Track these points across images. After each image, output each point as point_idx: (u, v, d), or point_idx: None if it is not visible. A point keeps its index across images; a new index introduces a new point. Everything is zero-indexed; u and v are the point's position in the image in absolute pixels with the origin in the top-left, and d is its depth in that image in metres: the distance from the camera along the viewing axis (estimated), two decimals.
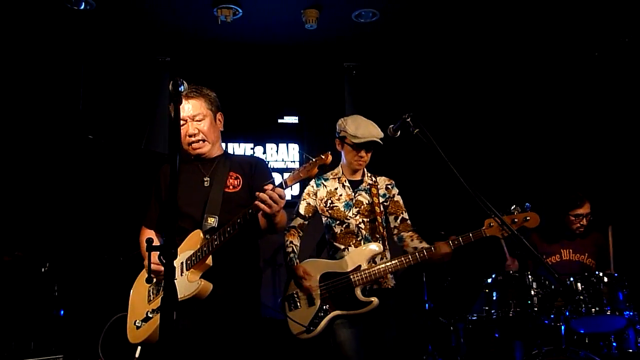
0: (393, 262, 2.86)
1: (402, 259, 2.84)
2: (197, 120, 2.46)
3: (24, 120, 4.52)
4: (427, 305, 4.26)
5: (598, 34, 4.65)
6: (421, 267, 4.21)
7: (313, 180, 3.14)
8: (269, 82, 5.24)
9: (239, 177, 2.47)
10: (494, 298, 3.34)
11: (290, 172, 2.20)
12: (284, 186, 2.15)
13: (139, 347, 2.47)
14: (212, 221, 2.34)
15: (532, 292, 3.20)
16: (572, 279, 3.22)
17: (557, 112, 5.11)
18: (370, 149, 3.04)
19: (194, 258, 2.27)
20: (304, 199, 3.13)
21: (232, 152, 2.63)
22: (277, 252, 4.88)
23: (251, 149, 5.07)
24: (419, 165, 4.73)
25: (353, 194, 3.08)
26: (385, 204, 3.10)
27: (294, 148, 5.13)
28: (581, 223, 3.73)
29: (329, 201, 3.08)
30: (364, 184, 3.11)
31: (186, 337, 2.27)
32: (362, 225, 3.02)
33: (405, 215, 3.11)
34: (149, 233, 2.56)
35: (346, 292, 2.87)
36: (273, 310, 4.66)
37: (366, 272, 2.87)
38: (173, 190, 1.71)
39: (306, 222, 3.13)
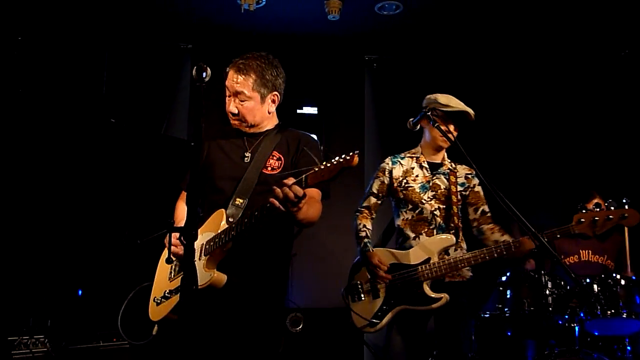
0: (467, 256, 2.65)
1: (478, 253, 2.62)
2: (240, 100, 2.27)
3: (50, 104, 4.59)
4: None
5: (624, 33, 4.57)
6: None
7: (389, 157, 2.98)
8: (290, 72, 5.19)
9: (282, 157, 2.27)
10: (508, 296, 3.32)
11: (313, 168, 1.90)
12: (303, 184, 1.90)
13: (156, 326, 2.45)
14: (240, 203, 2.17)
15: (547, 292, 3.16)
16: (588, 280, 3.19)
17: (579, 110, 5.04)
18: (458, 124, 2.83)
19: (212, 244, 2.14)
20: (378, 177, 2.94)
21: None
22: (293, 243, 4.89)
23: None
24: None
25: (431, 176, 2.87)
26: (465, 193, 2.89)
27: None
28: None
29: (404, 181, 2.87)
30: (443, 168, 2.90)
31: (199, 328, 2.17)
32: (437, 212, 2.81)
33: (486, 208, 2.88)
34: (182, 198, 2.49)
35: (414, 286, 2.66)
36: (287, 300, 4.72)
37: (436, 265, 2.65)
38: (194, 168, 1.71)
39: (379, 202, 2.94)
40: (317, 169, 1.89)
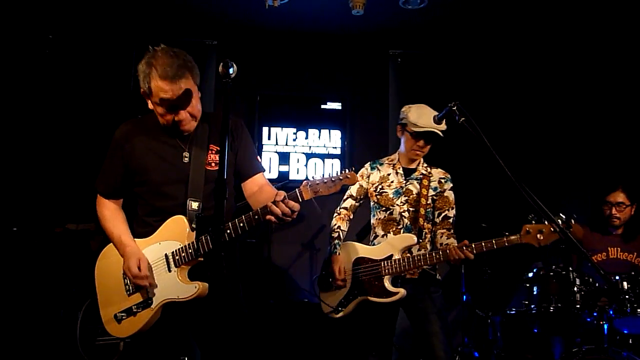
0: (421, 256, 2.81)
1: (434, 254, 2.77)
2: (188, 103, 2.13)
3: (80, 99, 4.70)
4: (464, 297, 4.23)
5: None
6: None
7: (368, 163, 3.17)
8: (314, 68, 5.25)
9: None
10: (535, 293, 3.29)
11: (311, 181, 1.98)
12: (300, 199, 1.97)
13: (122, 342, 2.39)
14: (195, 206, 2.14)
15: (575, 289, 3.13)
16: (617, 277, 3.14)
17: (611, 101, 4.94)
18: (429, 141, 2.99)
19: (183, 255, 2.12)
20: (357, 181, 3.09)
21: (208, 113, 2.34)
22: (315, 236, 4.93)
23: (294, 133, 5.10)
24: (463, 154, 4.66)
25: (404, 182, 3.05)
26: (435, 197, 3.03)
27: (336, 134, 5.13)
28: (615, 211, 3.63)
29: (380, 186, 3.07)
30: (416, 173, 3.06)
31: (180, 335, 2.21)
32: (405, 214, 2.99)
33: (450, 213, 3.03)
34: (107, 203, 2.31)
35: (375, 280, 2.88)
36: (309, 293, 4.75)
37: (397, 262, 2.85)
38: (222, 166, 1.72)
39: (357, 204, 3.15)
40: (313, 184, 1.97)
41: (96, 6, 4.46)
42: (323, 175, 1.99)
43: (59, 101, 4.67)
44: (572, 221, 2.48)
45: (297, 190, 1.98)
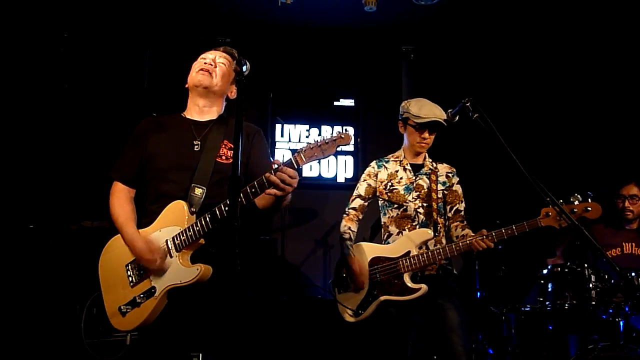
0: (440, 249, 2.79)
1: (447, 247, 2.77)
2: (219, 62, 2.33)
3: (95, 97, 4.75)
4: (478, 293, 4.21)
5: None
6: (473, 255, 4.15)
7: (374, 161, 3.14)
8: (326, 65, 5.25)
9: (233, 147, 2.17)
10: (549, 289, 3.26)
11: (304, 146, 1.97)
12: (296, 166, 1.94)
13: (129, 335, 2.33)
14: (199, 192, 2.12)
15: (590, 285, 3.10)
16: (633, 274, 3.11)
17: (626, 97, 4.88)
18: (433, 131, 2.98)
19: (183, 238, 2.09)
20: (365, 180, 3.10)
21: (228, 116, 2.44)
22: (328, 233, 4.93)
23: (307, 130, 5.11)
24: (476, 152, 4.64)
25: (414, 177, 3.02)
26: (445, 192, 3.03)
27: (349, 131, 5.13)
28: (628, 204, 3.61)
29: (389, 184, 3.03)
30: (425, 168, 3.05)
31: (186, 325, 2.15)
32: (420, 210, 2.96)
33: (460, 207, 3.02)
34: (121, 189, 2.29)
35: (395, 278, 2.84)
36: (323, 290, 4.76)
37: (415, 258, 2.81)
38: (235, 164, 1.73)
39: (366, 204, 3.11)
40: (307, 149, 1.95)
41: (110, 5, 4.50)
42: (316, 139, 1.97)
43: (74, 99, 4.72)
44: (589, 200, 2.53)
45: (291, 157, 1.96)
